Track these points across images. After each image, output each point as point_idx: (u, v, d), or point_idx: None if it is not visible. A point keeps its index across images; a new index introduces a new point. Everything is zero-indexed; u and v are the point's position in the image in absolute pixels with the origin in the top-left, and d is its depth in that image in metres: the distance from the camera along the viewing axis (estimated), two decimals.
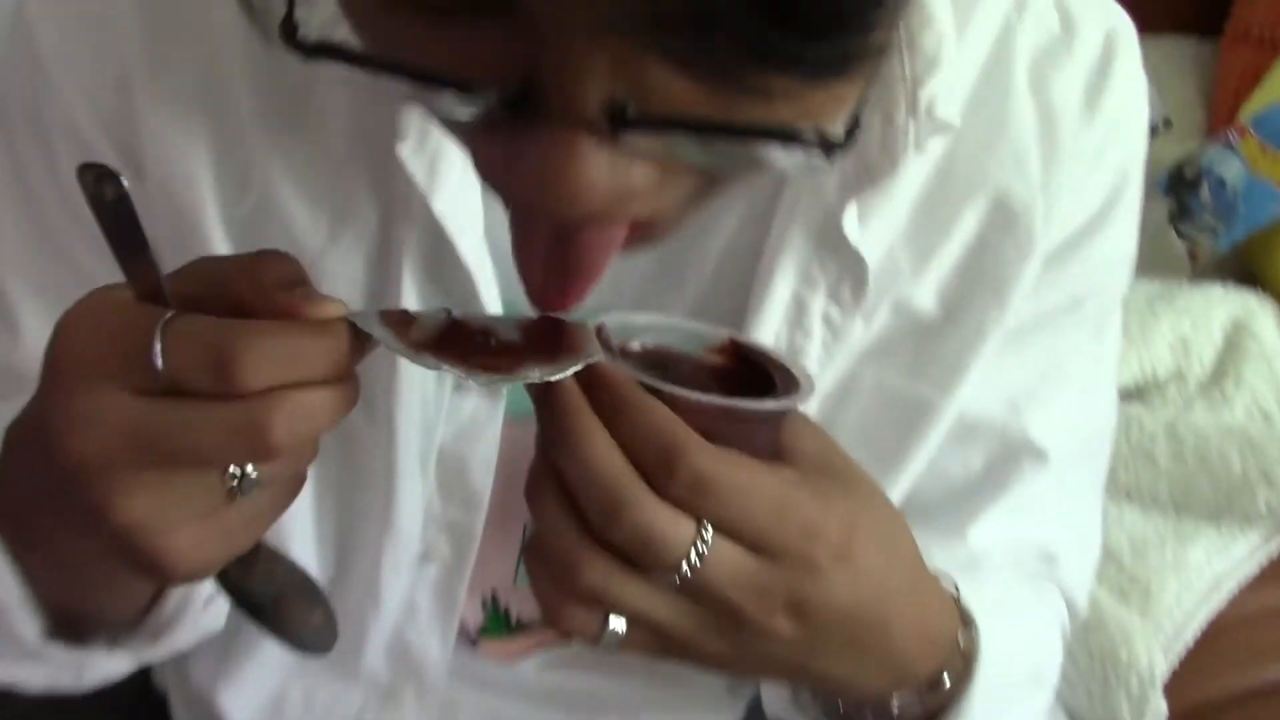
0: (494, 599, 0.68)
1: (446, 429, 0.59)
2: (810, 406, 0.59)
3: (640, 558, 0.41)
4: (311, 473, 0.61)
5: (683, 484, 0.41)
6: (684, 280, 0.59)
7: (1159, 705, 0.98)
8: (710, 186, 0.39)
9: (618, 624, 0.44)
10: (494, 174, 0.38)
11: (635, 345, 0.46)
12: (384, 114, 0.51)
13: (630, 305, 0.60)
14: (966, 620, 0.53)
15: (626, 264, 0.58)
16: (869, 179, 0.53)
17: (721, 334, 0.48)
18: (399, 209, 0.55)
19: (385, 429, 0.58)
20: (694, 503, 0.41)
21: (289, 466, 0.42)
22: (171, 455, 0.39)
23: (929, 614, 0.50)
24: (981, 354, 0.59)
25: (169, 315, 0.39)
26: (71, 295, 0.41)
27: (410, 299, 0.56)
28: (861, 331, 0.58)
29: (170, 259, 0.57)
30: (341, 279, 0.56)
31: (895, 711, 0.52)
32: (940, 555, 0.59)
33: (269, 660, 0.67)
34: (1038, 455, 0.64)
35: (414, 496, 0.60)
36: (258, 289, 0.40)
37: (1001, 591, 0.62)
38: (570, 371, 0.41)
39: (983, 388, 0.61)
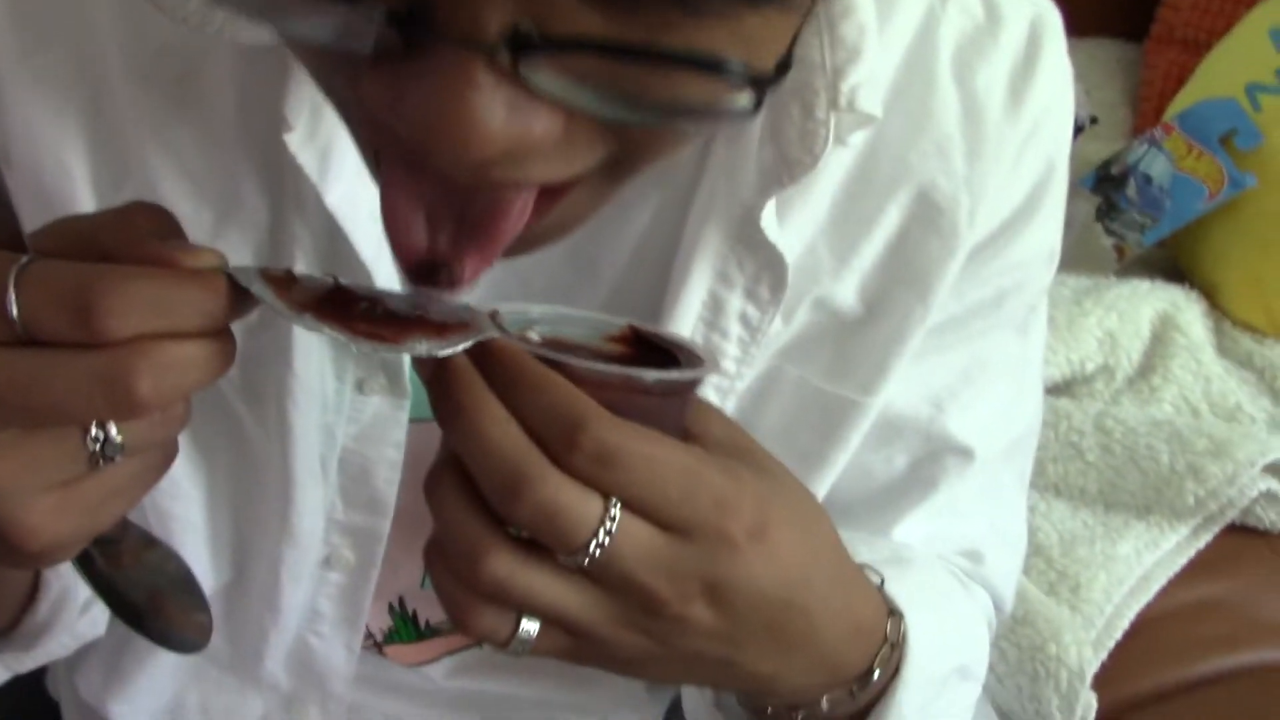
0: (401, 604, 0.65)
1: (348, 430, 0.57)
2: (729, 405, 0.58)
3: (546, 538, 0.39)
4: (204, 475, 0.58)
5: (587, 456, 0.38)
6: (596, 277, 0.57)
7: (1088, 699, 0.98)
8: (621, 159, 0.37)
9: (529, 625, 0.41)
10: (376, 111, 0.34)
11: (533, 334, 0.44)
12: (271, 100, 0.49)
13: (539, 302, 0.58)
14: (893, 611, 0.52)
15: (535, 258, 0.56)
16: (789, 174, 0.51)
17: (620, 322, 0.46)
18: (290, 202, 0.52)
19: (281, 431, 0.56)
20: (600, 476, 0.38)
21: (156, 431, 0.39)
22: (27, 411, 0.36)
23: (855, 603, 0.49)
24: (904, 352, 0.58)
25: (25, 260, 0.36)
26: None
27: None
28: (781, 330, 0.57)
29: None
30: None
31: (825, 709, 0.50)
32: (865, 550, 0.58)
33: (162, 670, 0.64)
34: (962, 453, 0.63)
35: (314, 501, 0.58)
36: (127, 239, 0.37)
37: (928, 583, 0.61)
38: (462, 347, 0.38)
39: (906, 386, 0.60)
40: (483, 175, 0.33)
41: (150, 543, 0.48)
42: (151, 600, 0.47)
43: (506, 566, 0.39)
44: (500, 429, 0.38)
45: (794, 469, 0.58)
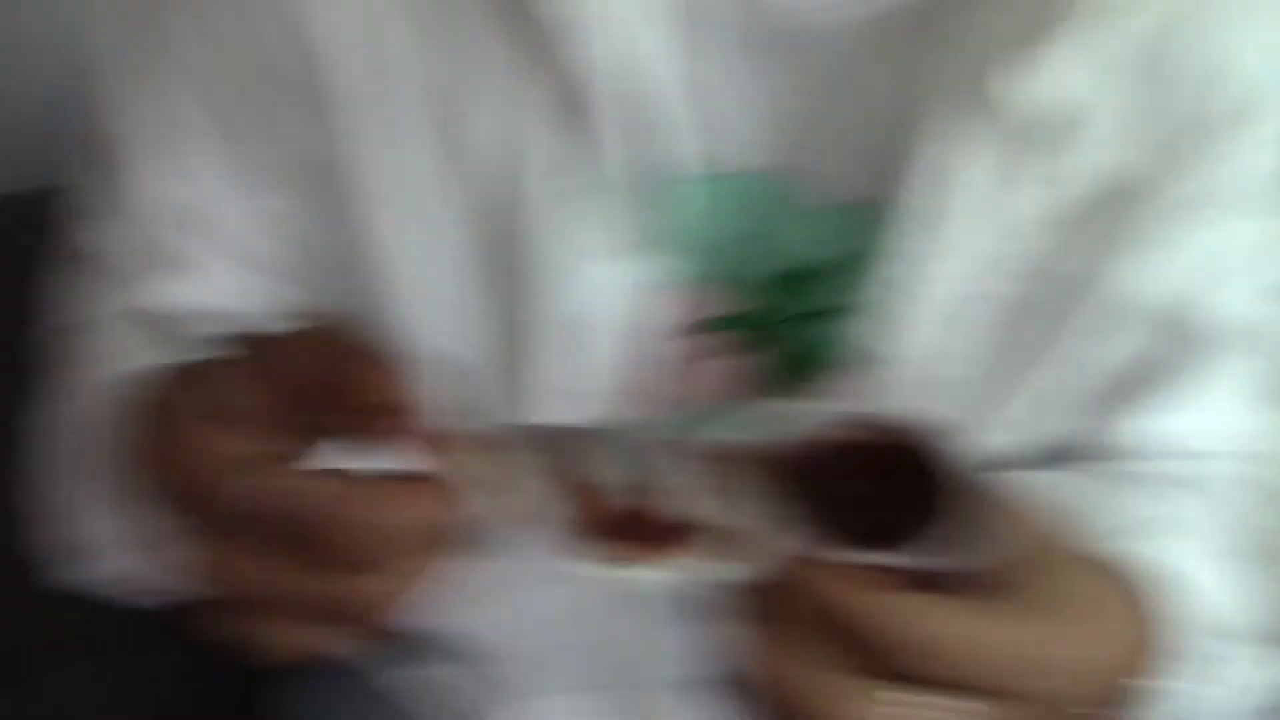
0: None
1: None
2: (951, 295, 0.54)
3: None
4: None
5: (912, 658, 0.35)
6: (841, 138, 0.54)
7: None
8: None
9: None
10: None
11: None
12: None
13: (790, 151, 0.55)
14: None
15: (782, 109, 0.54)
16: (1029, 37, 0.48)
17: (839, 410, 0.41)
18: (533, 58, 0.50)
19: None
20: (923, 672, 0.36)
21: None
22: None
23: None
24: (1165, 228, 0.54)
25: None
26: None
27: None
28: (1023, 201, 0.53)
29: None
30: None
31: None
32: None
33: None
34: (1203, 344, 0.59)
35: None
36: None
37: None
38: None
39: (1155, 267, 0.56)
40: None
41: None
42: None
43: None
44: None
45: (1017, 361, 0.57)
